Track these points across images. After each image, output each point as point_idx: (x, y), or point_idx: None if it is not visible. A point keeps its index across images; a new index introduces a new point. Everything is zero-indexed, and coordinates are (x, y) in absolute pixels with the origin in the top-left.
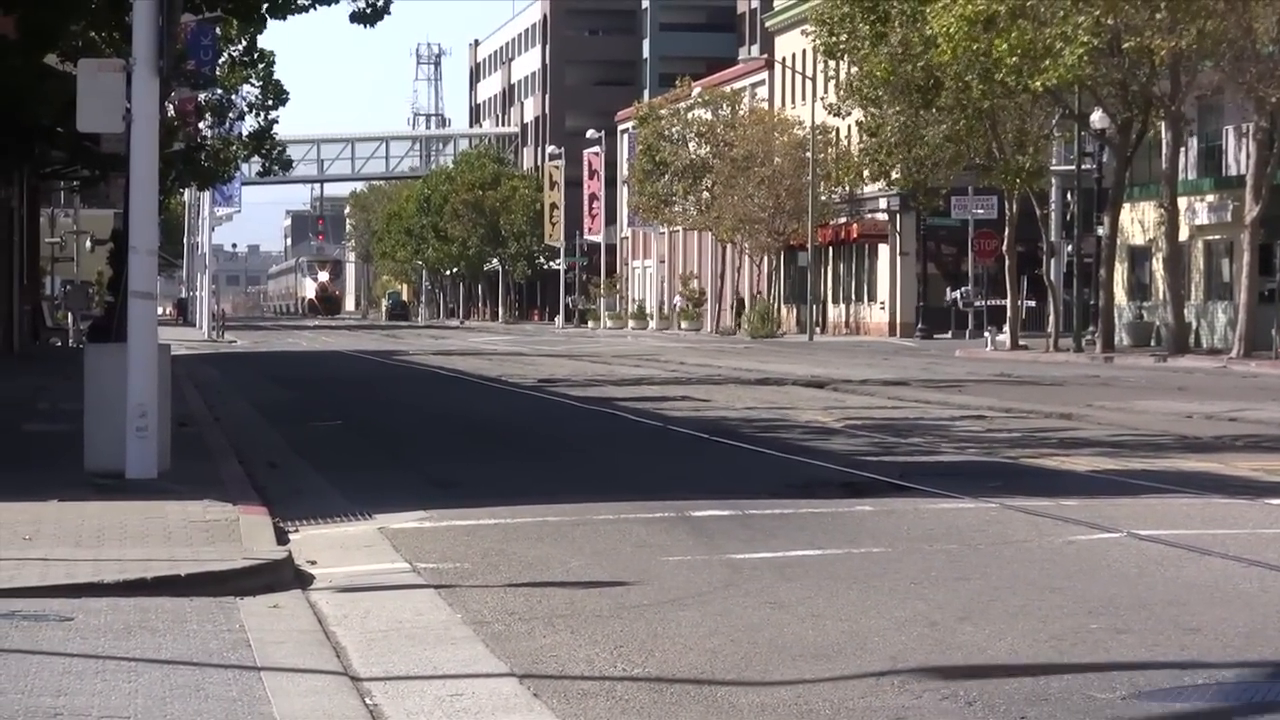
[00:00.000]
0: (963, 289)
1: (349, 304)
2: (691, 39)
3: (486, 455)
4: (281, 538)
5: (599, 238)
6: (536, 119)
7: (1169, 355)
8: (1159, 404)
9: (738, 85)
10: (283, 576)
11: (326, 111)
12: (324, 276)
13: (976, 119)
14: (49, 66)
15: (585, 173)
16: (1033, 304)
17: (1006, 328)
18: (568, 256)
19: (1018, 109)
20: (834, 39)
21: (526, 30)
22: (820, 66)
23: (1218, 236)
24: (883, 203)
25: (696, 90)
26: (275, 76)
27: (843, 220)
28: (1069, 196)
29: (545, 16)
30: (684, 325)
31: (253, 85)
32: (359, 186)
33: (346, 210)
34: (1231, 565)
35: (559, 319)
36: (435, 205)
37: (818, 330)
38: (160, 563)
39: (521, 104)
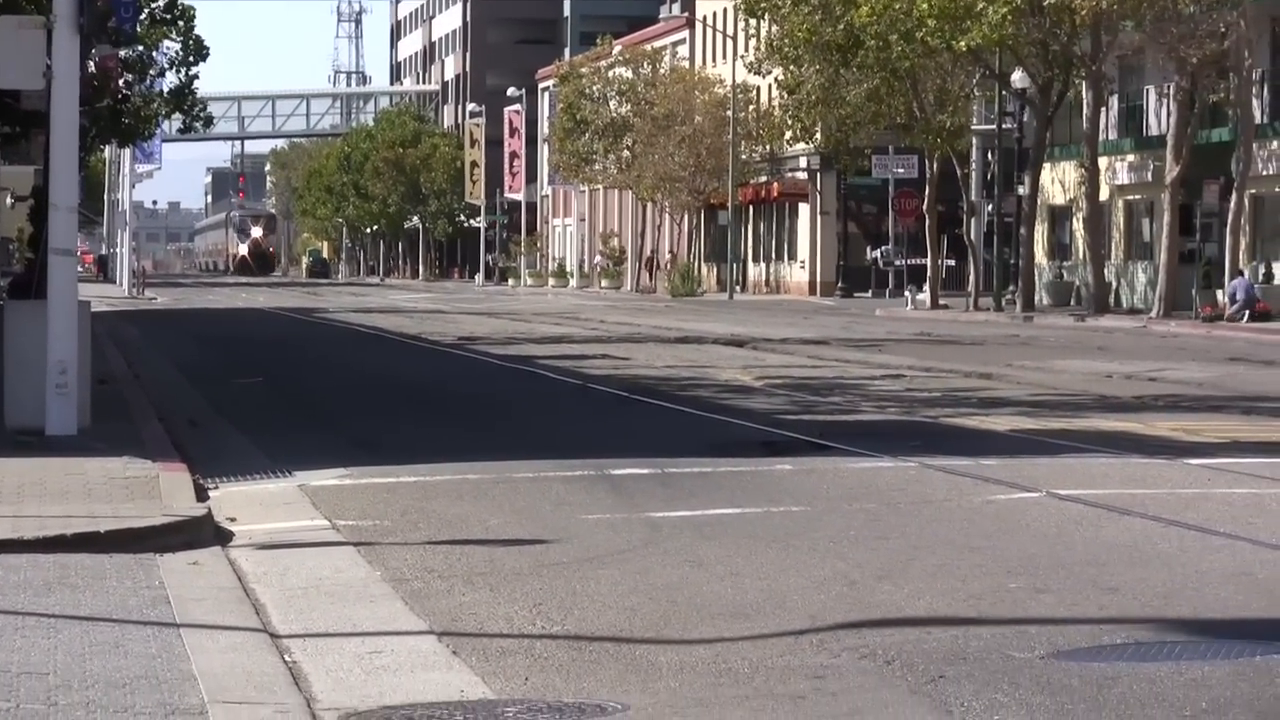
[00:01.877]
0: (883, 248)
1: None
2: None
3: (406, 414)
4: (201, 495)
5: (519, 196)
6: (457, 77)
7: (1089, 315)
8: (1079, 364)
9: (659, 44)
10: (202, 534)
11: (247, 68)
12: (258, 232)
13: (896, 78)
14: None
15: (506, 131)
16: (953, 263)
17: (927, 287)
18: (488, 215)
19: (938, 68)
20: None
21: None
22: (741, 25)
23: (1138, 196)
24: (804, 162)
25: (617, 49)
26: (196, 33)
27: (763, 179)
28: (989, 156)
29: None
30: (604, 284)
31: (173, 41)
32: (280, 144)
33: (267, 168)
34: (1150, 525)
35: (479, 277)
36: (356, 163)
37: (738, 289)
38: (80, 519)
39: (442, 62)
